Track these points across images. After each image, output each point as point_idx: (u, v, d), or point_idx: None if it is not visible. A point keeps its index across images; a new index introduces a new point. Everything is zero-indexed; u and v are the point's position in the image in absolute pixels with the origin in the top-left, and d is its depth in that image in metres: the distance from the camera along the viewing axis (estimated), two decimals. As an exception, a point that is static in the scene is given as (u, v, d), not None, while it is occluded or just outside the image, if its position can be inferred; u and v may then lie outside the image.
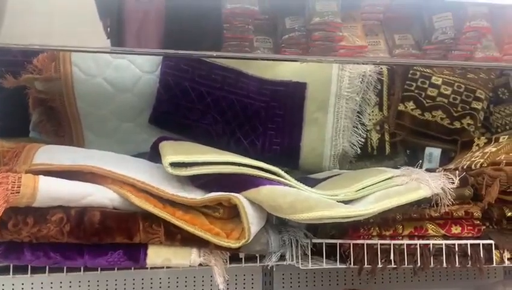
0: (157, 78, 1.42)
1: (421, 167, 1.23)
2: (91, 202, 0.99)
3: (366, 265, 1.15)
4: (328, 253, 1.16)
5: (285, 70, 1.47)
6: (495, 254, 1.19)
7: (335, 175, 1.32)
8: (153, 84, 1.42)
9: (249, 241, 1.02)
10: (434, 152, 1.53)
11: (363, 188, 1.14)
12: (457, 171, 1.20)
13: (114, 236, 1.00)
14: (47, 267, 1.02)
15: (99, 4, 1.12)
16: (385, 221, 1.16)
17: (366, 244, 1.15)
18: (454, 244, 1.18)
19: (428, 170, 1.24)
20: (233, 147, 1.43)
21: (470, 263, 1.18)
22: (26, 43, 1.10)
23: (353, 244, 1.15)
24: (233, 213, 1.06)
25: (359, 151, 1.51)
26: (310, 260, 1.15)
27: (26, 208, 0.94)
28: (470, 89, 1.55)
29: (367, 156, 1.54)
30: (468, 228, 1.19)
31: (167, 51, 1.22)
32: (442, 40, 1.31)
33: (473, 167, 1.27)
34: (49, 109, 1.39)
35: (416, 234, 1.18)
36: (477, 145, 1.45)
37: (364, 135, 1.51)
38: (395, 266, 1.16)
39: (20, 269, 1.03)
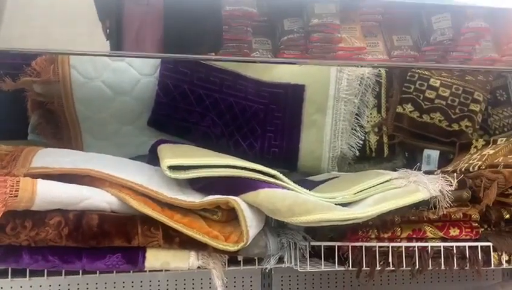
0: (155, 81, 1.42)
1: (419, 169, 1.24)
2: (89, 206, 0.99)
3: (364, 267, 1.16)
4: (326, 255, 1.17)
5: (283, 73, 1.47)
6: (493, 256, 1.19)
7: (333, 177, 1.32)
8: (152, 87, 1.42)
9: (247, 244, 1.02)
10: (432, 154, 1.54)
11: (361, 191, 1.14)
12: (455, 174, 1.20)
13: (112, 239, 1.00)
14: (45, 271, 1.02)
15: (98, 6, 1.12)
16: (383, 223, 1.16)
17: (365, 246, 1.15)
18: (452, 247, 1.18)
19: (427, 172, 1.25)
20: (232, 149, 1.43)
21: (468, 265, 1.18)
22: (25, 46, 1.10)
23: (352, 246, 1.16)
24: (231, 216, 1.06)
25: (357, 153, 1.51)
26: (308, 263, 1.15)
27: (25, 211, 0.94)
28: (468, 91, 1.55)
29: (365, 158, 1.54)
30: (466, 230, 1.19)
31: (166, 55, 1.23)
32: (441, 41, 1.31)
33: (471, 169, 1.28)
34: (48, 112, 1.39)
35: (414, 236, 1.18)
36: (476, 147, 1.46)
37: (363, 137, 1.51)
38: (394, 269, 1.17)
39: (19, 273, 1.03)
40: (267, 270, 1.36)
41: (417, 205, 1.15)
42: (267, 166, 1.14)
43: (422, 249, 1.17)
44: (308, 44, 1.27)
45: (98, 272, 1.03)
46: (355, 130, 1.50)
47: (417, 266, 1.17)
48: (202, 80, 1.42)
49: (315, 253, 1.19)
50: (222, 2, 1.19)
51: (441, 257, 1.17)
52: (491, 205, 1.18)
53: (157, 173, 1.12)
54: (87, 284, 1.44)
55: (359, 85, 1.47)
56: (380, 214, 1.07)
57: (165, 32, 1.17)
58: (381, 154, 1.55)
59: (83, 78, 1.37)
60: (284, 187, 1.09)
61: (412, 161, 1.56)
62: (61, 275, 1.04)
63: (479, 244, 1.19)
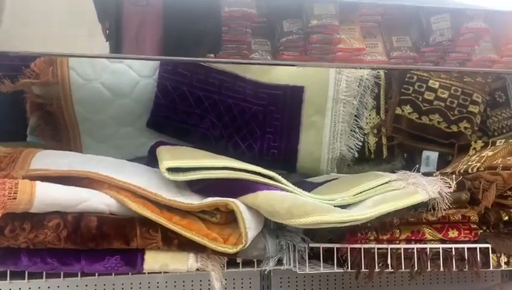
0: (155, 83, 1.42)
1: (418, 171, 1.24)
2: (88, 208, 0.99)
3: (363, 269, 1.16)
4: (325, 257, 1.17)
5: (282, 74, 1.47)
6: (492, 257, 1.19)
7: (332, 179, 1.32)
8: (151, 89, 1.42)
9: (246, 246, 1.02)
10: (431, 156, 1.54)
11: (360, 193, 1.14)
12: (454, 175, 1.20)
13: (111, 241, 1.00)
14: (44, 273, 1.02)
15: (98, 7, 1.12)
16: (382, 225, 1.16)
17: (364, 248, 1.15)
18: (451, 248, 1.18)
19: (426, 174, 1.25)
20: (231, 151, 1.43)
21: (467, 267, 1.18)
22: (24, 48, 1.10)
23: (350, 248, 1.15)
24: (230, 218, 1.06)
25: (356, 154, 1.51)
26: (307, 264, 1.15)
27: (23, 213, 0.94)
28: (467, 92, 1.55)
29: (364, 159, 1.55)
30: (465, 232, 1.19)
31: (165, 58, 1.23)
32: (440, 41, 1.31)
33: (469, 171, 1.28)
34: (47, 114, 1.39)
35: (413, 238, 1.18)
36: (474, 148, 1.46)
37: (362, 139, 1.51)
38: (392, 270, 1.17)
39: (17, 275, 1.02)
40: (266, 272, 1.36)
41: (416, 207, 1.15)
42: (266, 167, 1.14)
43: (421, 251, 1.17)
44: (307, 45, 1.27)
45: (96, 274, 1.03)
46: (354, 131, 1.50)
47: (416, 268, 1.17)
48: (201, 82, 1.42)
49: (314, 255, 1.19)
50: (221, 3, 1.19)
51: (439, 258, 1.17)
52: (490, 207, 1.18)
53: (156, 175, 1.12)
54: (86, 286, 1.44)
55: (358, 87, 1.47)
56: (379, 216, 1.07)
57: (164, 33, 1.17)
58: (380, 156, 1.56)
59: (82, 79, 1.37)
60: (282, 189, 1.09)
61: (411, 163, 1.56)
62: (60, 277, 1.03)
63: (478, 246, 1.19)
